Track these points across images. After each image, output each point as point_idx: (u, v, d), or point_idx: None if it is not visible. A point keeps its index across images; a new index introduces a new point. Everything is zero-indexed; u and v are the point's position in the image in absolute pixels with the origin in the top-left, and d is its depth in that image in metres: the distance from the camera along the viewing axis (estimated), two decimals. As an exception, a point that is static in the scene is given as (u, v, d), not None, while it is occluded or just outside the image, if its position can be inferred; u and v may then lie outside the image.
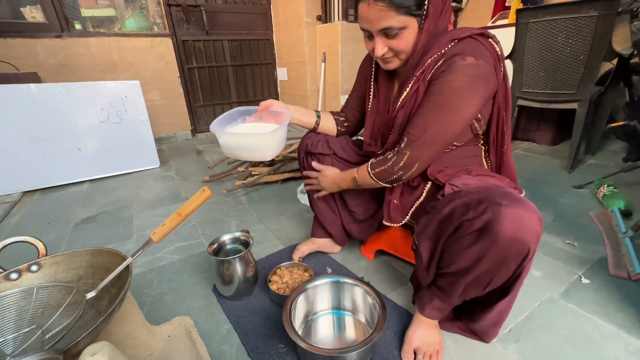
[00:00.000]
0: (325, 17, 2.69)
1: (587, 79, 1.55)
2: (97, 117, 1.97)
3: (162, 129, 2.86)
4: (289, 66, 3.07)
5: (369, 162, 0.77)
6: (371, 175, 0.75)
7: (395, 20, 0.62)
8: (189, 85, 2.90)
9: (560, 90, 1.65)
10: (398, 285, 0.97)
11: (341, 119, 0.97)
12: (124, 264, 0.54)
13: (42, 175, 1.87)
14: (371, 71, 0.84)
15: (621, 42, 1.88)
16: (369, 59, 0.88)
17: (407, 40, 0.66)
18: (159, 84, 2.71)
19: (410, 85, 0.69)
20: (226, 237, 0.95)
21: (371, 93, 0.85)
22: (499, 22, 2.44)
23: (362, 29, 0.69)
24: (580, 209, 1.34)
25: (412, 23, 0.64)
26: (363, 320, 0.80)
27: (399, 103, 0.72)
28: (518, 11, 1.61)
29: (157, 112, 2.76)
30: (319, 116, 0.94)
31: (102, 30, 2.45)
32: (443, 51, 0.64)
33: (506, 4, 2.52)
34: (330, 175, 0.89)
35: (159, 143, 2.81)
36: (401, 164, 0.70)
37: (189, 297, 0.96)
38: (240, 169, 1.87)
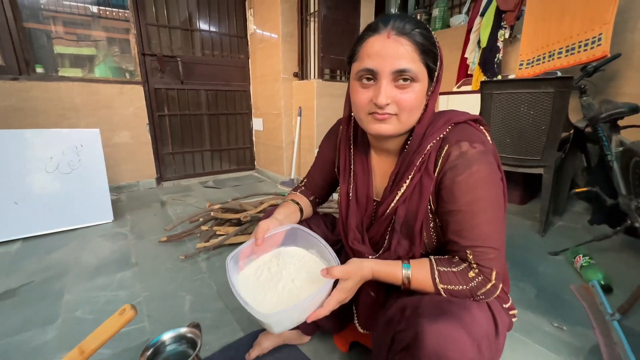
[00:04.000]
0: (301, 74, 2.77)
1: (550, 147, 1.62)
2: (44, 167, 1.77)
3: (124, 177, 2.65)
4: (264, 117, 3.07)
5: (436, 270, 0.57)
6: (440, 290, 0.56)
7: (414, 63, 0.52)
8: (157, 132, 2.78)
9: (526, 156, 1.71)
10: (377, 391, 0.81)
11: (312, 197, 0.86)
12: None
13: (-38, 234, 1.59)
14: (348, 153, 0.72)
15: (576, 111, 2.04)
16: (334, 138, 0.78)
17: (416, 98, 0.54)
18: (124, 131, 2.57)
19: (411, 176, 0.60)
20: (166, 337, 0.77)
21: (350, 180, 0.72)
22: (463, 88, 2.62)
23: (365, 70, 0.54)
24: (560, 281, 1.30)
25: (424, 81, 0.55)
26: None
27: (397, 197, 0.62)
28: (483, 83, 1.71)
29: (119, 158, 2.58)
30: (301, 210, 0.80)
31: (66, 75, 2.34)
32: (441, 136, 0.58)
33: (468, 72, 2.74)
34: (357, 276, 0.59)
35: (118, 192, 2.58)
36: (489, 287, 0.55)
37: (111, 419, 0.74)
38: (204, 227, 1.70)
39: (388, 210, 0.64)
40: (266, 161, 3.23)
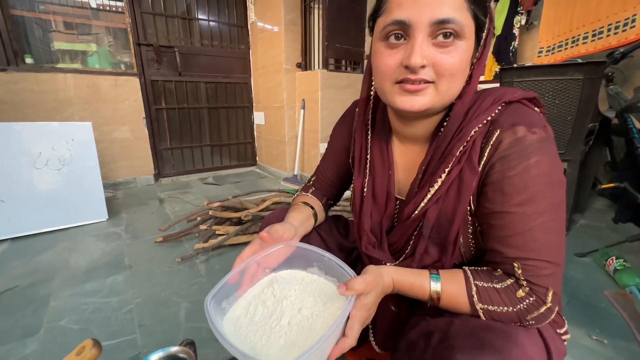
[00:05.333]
0: (305, 64, 2.64)
1: (576, 140, 1.49)
2: (33, 162, 1.66)
3: (120, 173, 2.54)
4: (266, 111, 2.95)
5: (473, 286, 0.45)
6: (479, 311, 0.45)
7: (460, 12, 0.40)
8: (155, 126, 2.67)
9: (549, 149, 1.58)
10: (399, 419, 0.71)
11: (325, 199, 0.74)
12: None
13: (-55, 234, 1.49)
14: (365, 140, 0.59)
15: (602, 102, 1.91)
16: (349, 122, 0.66)
17: (460, 60, 0.42)
18: (120, 125, 2.45)
19: (448, 169, 0.48)
20: (155, 357, 0.66)
21: (365, 173, 0.60)
22: (475, 78, 2.49)
23: (395, 23, 0.41)
24: (591, 287, 1.18)
25: (470, 40, 0.42)
26: None
27: (429, 195, 0.50)
28: (502, 70, 1.58)
29: (115, 154, 2.47)
30: (315, 215, 0.68)
31: (57, 66, 2.22)
32: (489, 118, 0.46)
33: (480, 62, 2.61)
34: (378, 286, 0.47)
35: (114, 189, 2.48)
36: (542, 310, 0.43)
37: None
38: (203, 227, 1.59)
39: (416, 212, 0.52)
40: (268, 157, 3.11)
